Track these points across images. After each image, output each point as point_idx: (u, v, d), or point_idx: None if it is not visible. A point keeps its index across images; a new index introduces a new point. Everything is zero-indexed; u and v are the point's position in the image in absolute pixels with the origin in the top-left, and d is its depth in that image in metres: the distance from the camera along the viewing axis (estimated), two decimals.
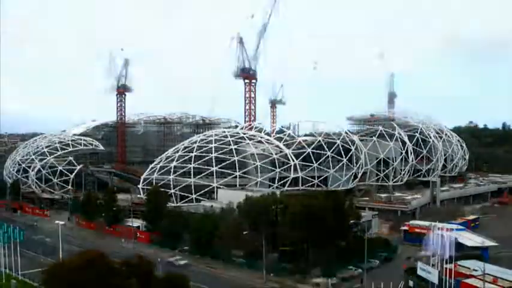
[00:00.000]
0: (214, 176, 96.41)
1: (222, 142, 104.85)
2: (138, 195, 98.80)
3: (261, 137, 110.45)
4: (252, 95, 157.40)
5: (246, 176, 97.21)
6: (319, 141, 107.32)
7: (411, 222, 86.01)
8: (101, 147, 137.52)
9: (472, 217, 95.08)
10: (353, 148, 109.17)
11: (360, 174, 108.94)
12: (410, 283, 56.35)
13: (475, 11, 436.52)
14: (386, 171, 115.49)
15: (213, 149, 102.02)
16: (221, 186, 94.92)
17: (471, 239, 71.36)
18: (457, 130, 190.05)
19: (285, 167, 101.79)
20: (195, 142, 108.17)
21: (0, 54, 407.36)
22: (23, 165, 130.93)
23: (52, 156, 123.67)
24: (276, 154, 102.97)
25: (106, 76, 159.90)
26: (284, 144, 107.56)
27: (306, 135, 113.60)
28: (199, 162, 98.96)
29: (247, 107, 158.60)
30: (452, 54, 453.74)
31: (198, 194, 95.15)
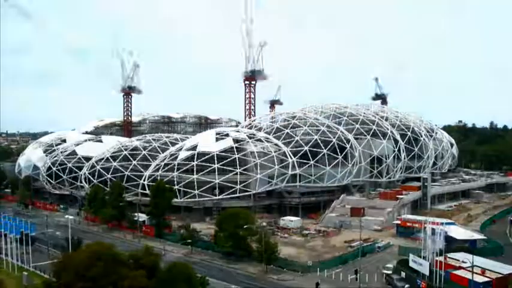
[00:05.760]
0: (216, 173, 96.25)
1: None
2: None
3: (261, 136, 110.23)
4: (252, 96, 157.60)
5: (246, 172, 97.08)
6: (316, 139, 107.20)
7: (403, 216, 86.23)
8: None
9: None
10: (348, 146, 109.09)
11: (354, 171, 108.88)
12: (403, 274, 56.46)
13: None
14: (380, 168, 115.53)
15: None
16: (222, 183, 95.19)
17: (460, 233, 71.56)
18: (447, 129, 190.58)
19: (284, 164, 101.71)
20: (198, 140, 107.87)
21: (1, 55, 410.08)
22: (34, 163, 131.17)
23: (62, 154, 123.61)
24: (275, 152, 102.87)
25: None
26: (283, 143, 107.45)
27: (303, 133, 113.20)
28: (202, 159, 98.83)
29: (247, 107, 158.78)
30: None
31: (200, 190, 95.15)
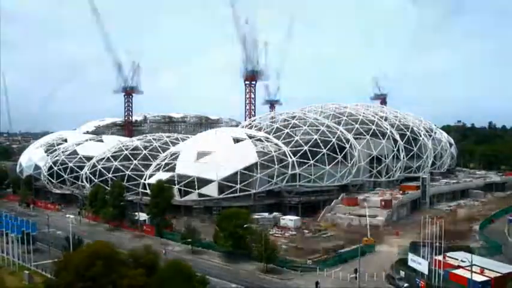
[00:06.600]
0: (216, 172, 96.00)
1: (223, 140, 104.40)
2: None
3: (261, 136, 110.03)
4: (252, 96, 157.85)
5: (246, 172, 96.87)
6: (316, 139, 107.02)
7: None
8: None
9: None
10: (347, 146, 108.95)
11: (354, 171, 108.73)
12: (402, 273, 56.34)
13: None
14: (379, 167, 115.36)
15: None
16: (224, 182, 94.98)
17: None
18: (446, 129, 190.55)
19: (283, 163, 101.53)
20: (198, 140, 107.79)
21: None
22: (36, 162, 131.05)
23: (64, 154, 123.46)
24: (274, 151, 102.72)
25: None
26: (283, 142, 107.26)
27: (303, 133, 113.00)
28: (202, 159, 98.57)
29: (247, 107, 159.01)
30: None
31: (200, 189, 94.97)
